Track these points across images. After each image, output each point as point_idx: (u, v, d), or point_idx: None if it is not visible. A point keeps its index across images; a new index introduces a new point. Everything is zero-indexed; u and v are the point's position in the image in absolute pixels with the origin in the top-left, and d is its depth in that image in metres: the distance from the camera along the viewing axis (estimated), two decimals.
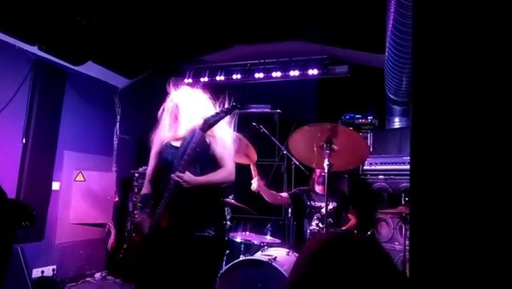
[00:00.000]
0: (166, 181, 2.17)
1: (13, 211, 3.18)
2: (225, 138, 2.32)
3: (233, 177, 2.32)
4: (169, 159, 2.28)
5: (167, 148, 2.33)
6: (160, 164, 2.34)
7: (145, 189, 2.41)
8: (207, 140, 2.26)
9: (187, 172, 2.14)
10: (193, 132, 2.25)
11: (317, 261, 0.80)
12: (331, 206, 3.83)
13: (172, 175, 2.11)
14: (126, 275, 2.34)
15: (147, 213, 2.24)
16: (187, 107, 2.36)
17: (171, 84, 2.44)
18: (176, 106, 2.37)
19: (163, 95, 2.49)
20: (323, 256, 0.81)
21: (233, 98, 2.36)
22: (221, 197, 2.41)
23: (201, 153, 2.22)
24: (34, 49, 4.41)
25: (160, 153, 2.35)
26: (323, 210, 3.22)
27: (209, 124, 2.16)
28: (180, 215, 2.17)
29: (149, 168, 2.44)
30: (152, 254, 2.18)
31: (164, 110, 2.42)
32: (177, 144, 2.32)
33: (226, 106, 2.27)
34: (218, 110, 2.21)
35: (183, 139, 2.31)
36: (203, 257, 2.16)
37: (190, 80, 5.66)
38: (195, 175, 2.19)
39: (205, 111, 2.30)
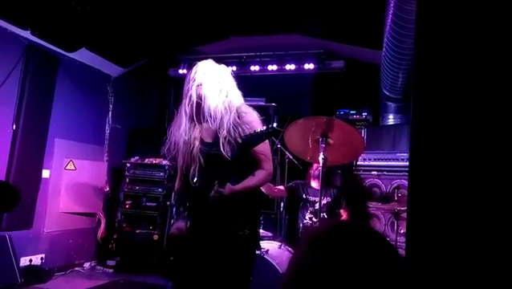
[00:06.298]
0: (199, 179, 2.08)
1: None
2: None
3: (270, 177, 2.18)
4: (202, 159, 2.12)
5: (196, 146, 2.14)
6: (191, 163, 2.15)
7: (179, 184, 2.29)
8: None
9: (226, 186, 1.99)
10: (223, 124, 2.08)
11: (316, 249, 0.79)
12: (324, 201, 3.84)
13: (212, 192, 1.97)
14: (168, 274, 2.23)
15: (184, 220, 2.12)
16: (213, 87, 2.13)
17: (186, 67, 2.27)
18: (199, 86, 2.13)
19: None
20: (321, 244, 0.80)
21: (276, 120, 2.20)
22: (258, 198, 2.28)
23: (238, 161, 2.05)
24: (26, 33, 4.31)
25: (190, 152, 2.15)
26: (317, 205, 3.23)
27: (247, 145, 1.99)
28: (215, 215, 2.06)
29: (179, 168, 2.27)
30: (185, 252, 2.10)
31: (184, 99, 2.17)
32: (209, 139, 2.14)
33: (267, 127, 2.01)
34: (259, 130, 1.97)
35: (213, 132, 2.13)
36: (236, 256, 2.06)
37: (185, 71, 5.63)
38: (232, 180, 2.04)
39: (232, 94, 2.17)
